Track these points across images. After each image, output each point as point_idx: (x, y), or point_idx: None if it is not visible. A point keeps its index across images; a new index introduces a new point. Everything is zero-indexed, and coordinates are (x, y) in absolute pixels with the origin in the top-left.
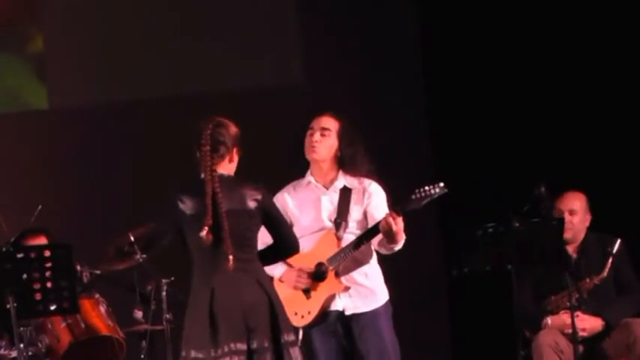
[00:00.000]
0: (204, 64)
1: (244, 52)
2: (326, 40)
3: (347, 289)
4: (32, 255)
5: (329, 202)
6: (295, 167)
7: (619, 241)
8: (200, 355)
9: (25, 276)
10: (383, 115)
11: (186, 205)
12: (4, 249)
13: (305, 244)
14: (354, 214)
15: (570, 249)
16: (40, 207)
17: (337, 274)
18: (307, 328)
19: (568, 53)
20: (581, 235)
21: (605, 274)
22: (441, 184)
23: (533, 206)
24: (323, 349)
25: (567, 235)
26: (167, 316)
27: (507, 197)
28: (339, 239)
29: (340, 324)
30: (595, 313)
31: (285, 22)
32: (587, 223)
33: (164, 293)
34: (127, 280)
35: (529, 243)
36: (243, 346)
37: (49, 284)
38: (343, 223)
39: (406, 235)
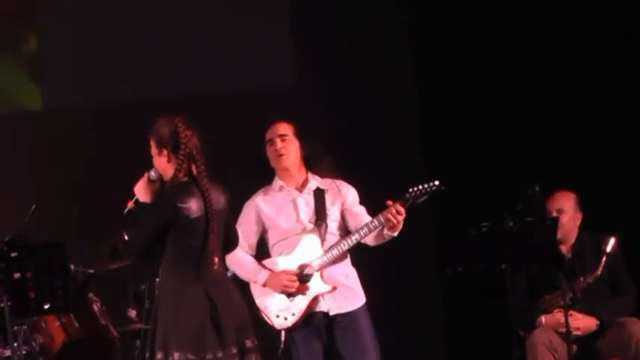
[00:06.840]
0: (199, 65)
1: (239, 53)
2: (319, 42)
3: (333, 289)
4: (26, 254)
5: (305, 204)
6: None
7: (613, 239)
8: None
9: (18, 275)
10: (375, 115)
11: (189, 207)
12: None
13: (286, 247)
14: (333, 214)
15: (564, 248)
16: (34, 207)
17: (322, 276)
18: (290, 331)
19: (561, 52)
20: (573, 234)
21: (599, 272)
22: (437, 182)
23: (526, 205)
24: (307, 350)
25: (557, 234)
26: None
27: (501, 196)
28: (322, 240)
29: (324, 325)
30: (589, 312)
31: (280, 24)
32: (577, 222)
33: (157, 292)
34: (121, 279)
35: (523, 242)
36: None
37: (42, 283)
38: (324, 225)
39: (400, 233)
